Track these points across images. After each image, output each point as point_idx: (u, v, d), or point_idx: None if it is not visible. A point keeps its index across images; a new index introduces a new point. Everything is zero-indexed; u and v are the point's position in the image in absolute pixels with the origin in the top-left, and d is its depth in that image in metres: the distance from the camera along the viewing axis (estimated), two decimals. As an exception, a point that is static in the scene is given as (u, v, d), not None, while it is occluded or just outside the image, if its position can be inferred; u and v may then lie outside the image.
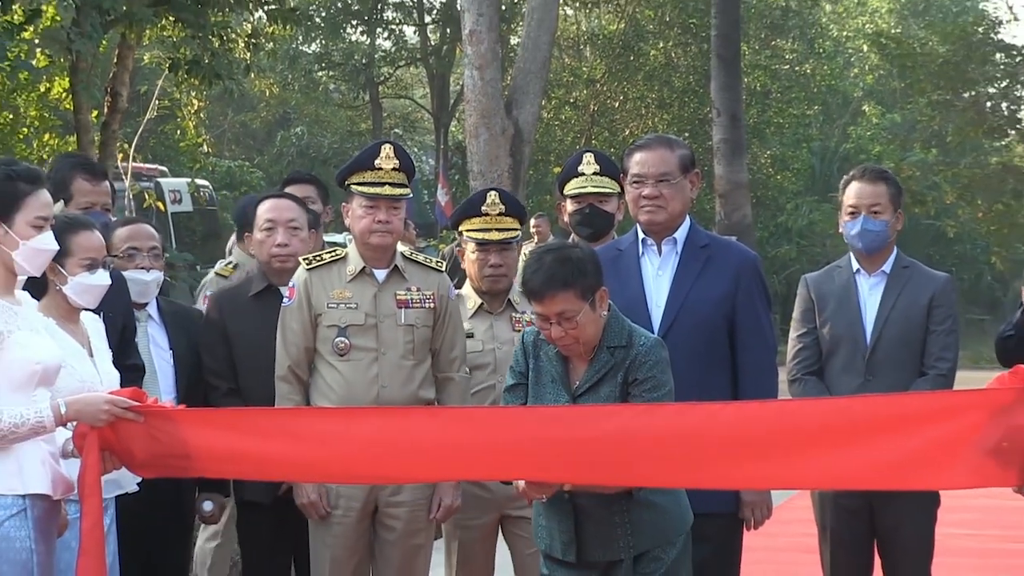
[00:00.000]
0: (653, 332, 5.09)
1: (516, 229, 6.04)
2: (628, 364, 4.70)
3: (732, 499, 5.33)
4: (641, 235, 5.47)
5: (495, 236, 5.96)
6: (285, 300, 5.78)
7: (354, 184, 5.73)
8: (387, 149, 5.75)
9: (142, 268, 5.71)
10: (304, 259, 5.83)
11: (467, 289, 6.11)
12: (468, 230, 6.01)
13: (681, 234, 5.40)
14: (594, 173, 6.26)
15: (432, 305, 5.77)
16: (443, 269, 5.97)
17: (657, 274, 5.38)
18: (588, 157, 6.34)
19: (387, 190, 5.70)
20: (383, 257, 5.77)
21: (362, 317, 5.70)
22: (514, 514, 5.90)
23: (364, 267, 5.75)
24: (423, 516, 5.75)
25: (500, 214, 5.97)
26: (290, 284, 5.81)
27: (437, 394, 5.77)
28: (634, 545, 4.72)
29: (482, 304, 6.03)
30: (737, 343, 5.33)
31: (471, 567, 6.00)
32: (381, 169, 5.71)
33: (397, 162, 5.73)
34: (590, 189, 6.26)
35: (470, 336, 5.96)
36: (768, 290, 5.47)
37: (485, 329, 5.97)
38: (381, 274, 5.76)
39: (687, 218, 5.44)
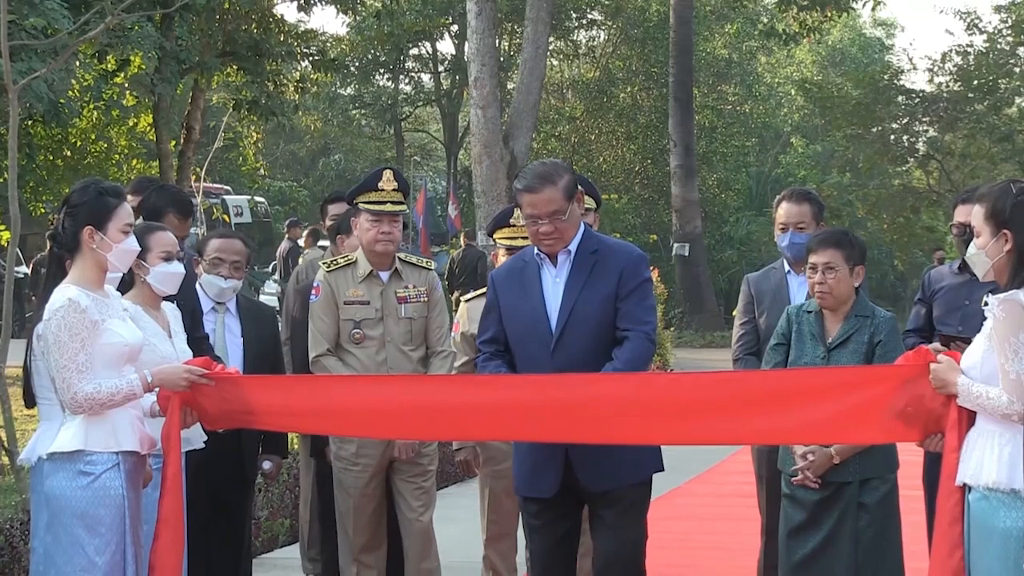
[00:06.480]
0: (551, 334, 4.77)
1: None
2: (872, 329, 4.98)
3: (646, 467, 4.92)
4: (537, 250, 4.97)
5: (520, 243, 5.83)
6: (312, 296, 5.79)
7: (361, 202, 5.74)
8: (388, 173, 5.76)
9: (221, 276, 5.71)
10: (323, 263, 5.87)
11: None
12: (500, 238, 5.96)
13: (574, 244, 4.89)
14: None
15: (425, 299, 5.80)
16: (431, 267, 5.98)
17: (555, 282, 4.89)
18: None
19: (388, 207, 5.71)
20: (386, 261, 5.78)
21: (373, 312, 5.72)
22: None
23: (372, 270, 5.76)
24: (426, 461, 5.83)
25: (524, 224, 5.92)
26: (315, 283, 5.81)
27: (427, 366, 5.77)
28: (859, 471, 4.97)
29: None
30: (618, 325, 4.82)
31: (500, 511, 5.98)
32: (383, 190, 5.71)
33: (396, 184, 5.74)
34: None
35: None
36: (651, 281, 5.00)
37: None
38: (385, 275, 5.78)
39: (580, 227, 4.93)
